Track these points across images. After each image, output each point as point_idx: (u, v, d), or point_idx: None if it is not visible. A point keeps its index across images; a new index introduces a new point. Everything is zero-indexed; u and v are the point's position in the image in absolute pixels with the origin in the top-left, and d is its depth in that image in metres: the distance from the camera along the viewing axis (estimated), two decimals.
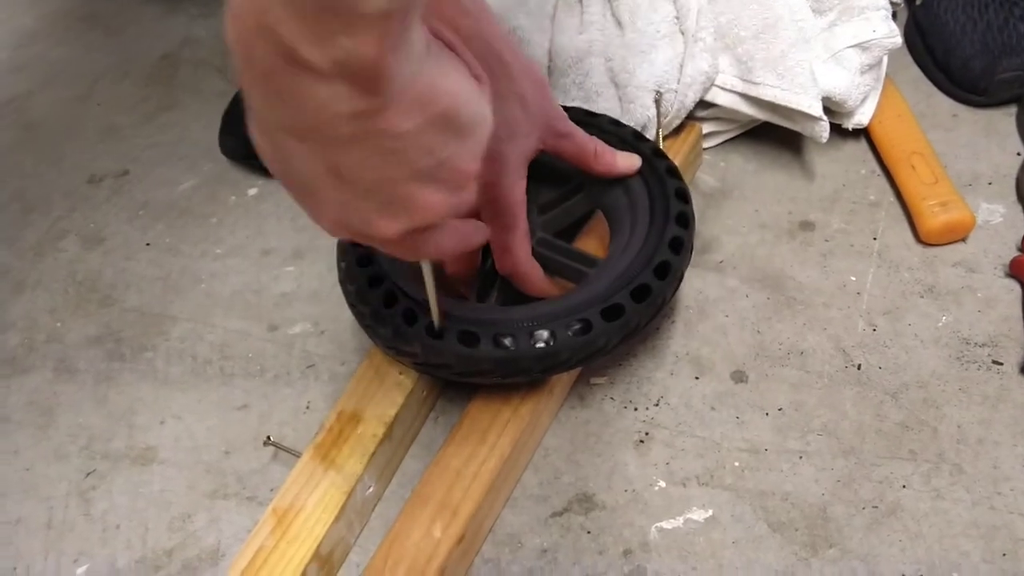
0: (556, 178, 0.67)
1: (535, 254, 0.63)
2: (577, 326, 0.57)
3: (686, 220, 0.62)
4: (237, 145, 0.87)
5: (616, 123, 0.70)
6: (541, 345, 0.56)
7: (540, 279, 0.63)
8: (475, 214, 0.56)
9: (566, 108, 0.65)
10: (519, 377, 0.59)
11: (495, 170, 0.58)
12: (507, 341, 0.56)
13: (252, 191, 0.87)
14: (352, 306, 0.62)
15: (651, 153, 0.66)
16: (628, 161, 0.65)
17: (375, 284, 0.60)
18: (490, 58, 0.54)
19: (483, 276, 0.65)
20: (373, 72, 0.35)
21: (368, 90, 0.35)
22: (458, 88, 0.40)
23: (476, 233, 0.50)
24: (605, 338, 0.57)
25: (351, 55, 0.34)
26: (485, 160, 0.44)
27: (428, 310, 0.57)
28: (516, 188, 0.59)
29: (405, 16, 0.34)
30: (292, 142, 0.39)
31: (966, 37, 0.81)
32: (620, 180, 0.66)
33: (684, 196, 0.63)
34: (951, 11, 0.83)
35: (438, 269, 0.64)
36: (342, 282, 0.63)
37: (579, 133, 0.63)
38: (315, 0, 0.32)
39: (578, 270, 0.63)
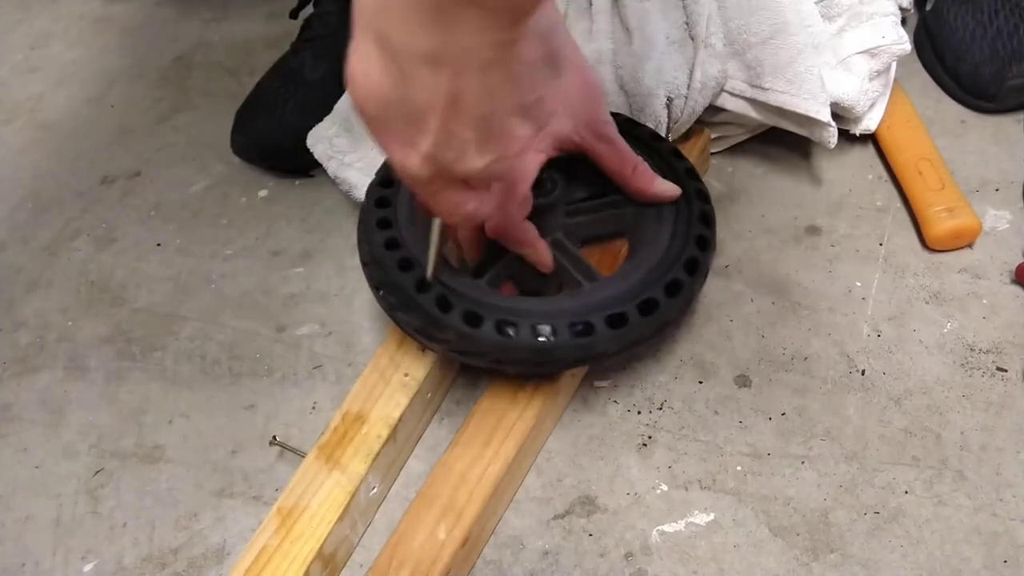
0: (593, 188, 0.67)
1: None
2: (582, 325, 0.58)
3: (706, 243, 0.63)
4: (249, 144, 0.88)
5: (632, 122, 0.70)
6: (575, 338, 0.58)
7: (530, 240, 0.63)
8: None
9: (613, 115, 0.65)
10: (549, 368, 0.60)
11: None
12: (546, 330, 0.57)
13: (262, 193, 0.88)
14: (376, 290, 0.63)
15: (670, 154, 0.67)
16: (666, 188, 0.65)
17: (405, 268, 0.60)
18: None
19: (489, 252, 0.65)
20: (530, 9, 0.40)
21: (517, 22, 0.41)
22: (561, 32, 0.48)
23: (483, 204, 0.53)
24: (639, 331, 0.59)
25: None
26: None
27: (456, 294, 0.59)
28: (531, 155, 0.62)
29: None
30: (424, 70, 0.42)
31: (976, 43, 0.81)
32: (654, 208, 0.65)
33: (707, 220, 0.64)
34: (961, 17, 0.83)
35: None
36: (365, 264, 0.63)
37: (622, 143, 0.64)
38: None
39: (577, 281, 0.63)
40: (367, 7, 0.42)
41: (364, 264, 0.63)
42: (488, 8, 0.39)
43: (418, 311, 0.58)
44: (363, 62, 0.44)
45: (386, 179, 0.65)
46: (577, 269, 0.63)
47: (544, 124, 0.49)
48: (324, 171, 0.81)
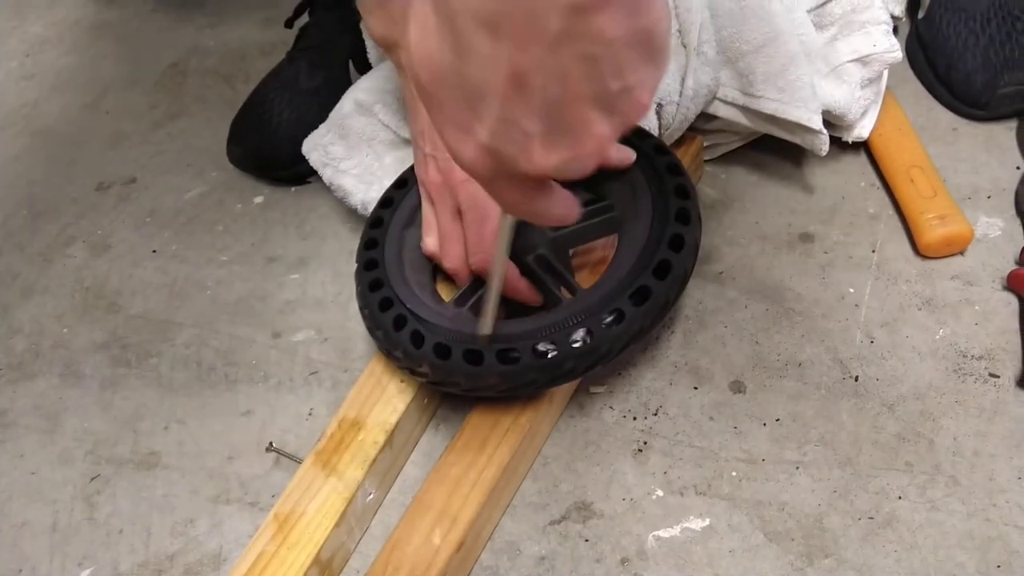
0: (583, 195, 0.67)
1: (527, 268, 0.64)
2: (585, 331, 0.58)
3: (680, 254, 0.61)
4: (245, 155, 0.88)
5: None
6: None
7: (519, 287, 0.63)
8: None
9: None
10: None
11: None
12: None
13: (258, 199, 0.88)
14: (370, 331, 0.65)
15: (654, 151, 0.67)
16: (621, 153, 0.64)
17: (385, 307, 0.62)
18: None
19: (474, 280, 0.66)
20: None
21: None
22: (660, 8, 0.38)
23: (573, 210, 0.47)
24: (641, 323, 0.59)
25: None
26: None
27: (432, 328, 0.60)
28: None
29: None
30: (483, 37, 0.36)
31: (968, 51, 0.82)
32: (633, 207, 0.64)
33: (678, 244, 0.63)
34: (953, 25, 0.84)
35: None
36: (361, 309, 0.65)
37: None
38: None
39: (557, 297, 0.63)
40: None
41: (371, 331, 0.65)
42: None
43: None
44: (419, 25, 0.38)
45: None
46: (557, 286, 0.63)
47: (630, 123, 0.40)
48: (320, 178, 0.81)
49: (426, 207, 0.67)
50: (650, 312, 0.59)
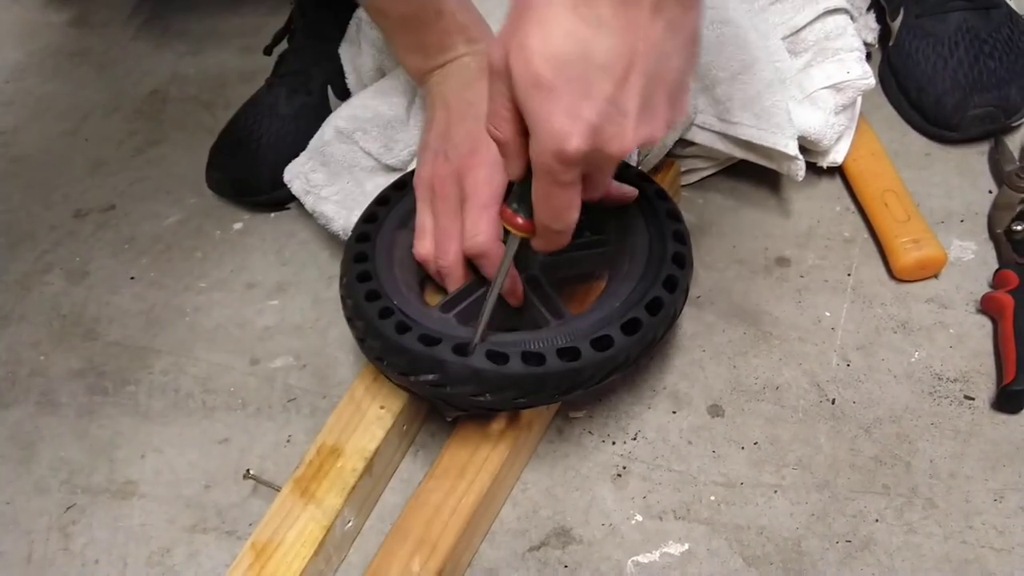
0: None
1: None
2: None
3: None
4: (224, 180, 0.88)
5: None
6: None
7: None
8: None
9: None
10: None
11: None
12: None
13: (237, 226, 0.88)
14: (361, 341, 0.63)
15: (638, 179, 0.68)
16: (624, 190, 0.66)
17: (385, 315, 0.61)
18: None
19: (463, 288, 0.66)
20: None
21: None
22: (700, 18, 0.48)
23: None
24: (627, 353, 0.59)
25: None
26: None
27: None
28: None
29: None
30: (616, 19, 0.44)
31: (937, 75, 0.83)
32: (628, 247, 0.66)
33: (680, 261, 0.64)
34: (922, 51, 0.85)
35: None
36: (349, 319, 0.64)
37: None
38: None
39: (544, 319, 0.63)
40: None
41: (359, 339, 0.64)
42: None
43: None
44: (543, 27, 0.44)
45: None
46: (547, 308, 0.63)
47: (678, 117, 0.49)
48: (300, 204, 0.81)
49: (422, 210, 0.67)
50: (638, 344, 0.59)
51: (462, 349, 0.57)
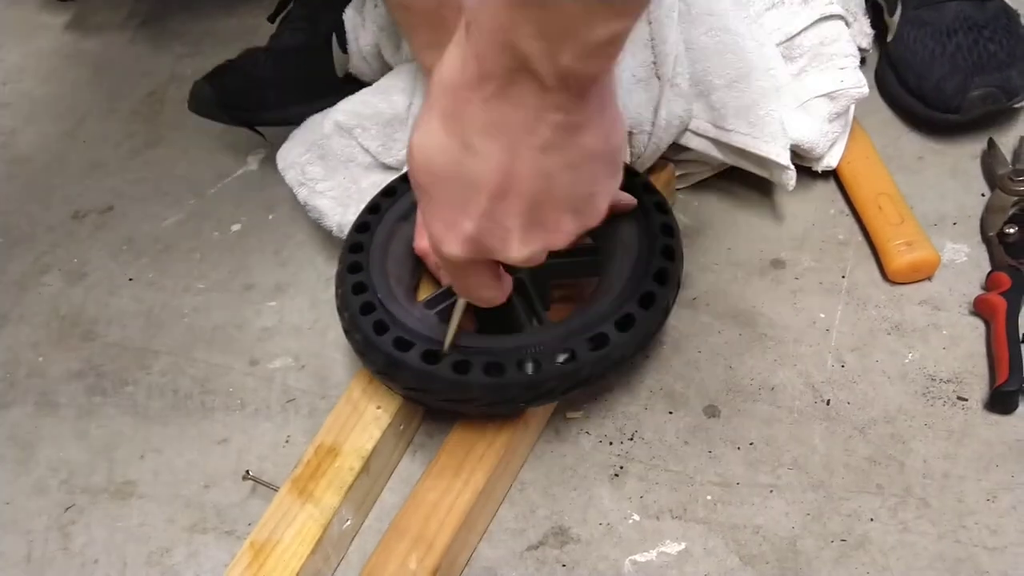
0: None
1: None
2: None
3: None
4: (215, 93, 0.84)
5: None
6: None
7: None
8: None
9: None
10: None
11: None
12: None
13: (235, 227, 0.88)
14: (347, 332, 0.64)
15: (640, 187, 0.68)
16: (624, 201, 0.66)
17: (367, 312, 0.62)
18: None
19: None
20: (586, 86, 0.40)
21: (577, 101, 0.41)
22: (623, 132, 0.46)
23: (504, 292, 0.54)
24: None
25: (575, 71, 0.39)
26: None
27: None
28: None
29: (622, 43, 0.40)
30: (483, 142, 0.42)
31: (936, 61, 0.83)
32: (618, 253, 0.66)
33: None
34: (921, 40, 0.85)
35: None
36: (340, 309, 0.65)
37: None
38: (559, 25, 0.37)
39: (522, 322, 0.63)
40: (436, 87, 0.43)
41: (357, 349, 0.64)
42: (546, 82, 0.39)
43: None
44: (423, 134, 0.44)
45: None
46: (528, 312, 0.64)
47: (589, 225, 0.47)
48: (291, 192, 0.80)
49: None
50: (632, 341, 0.60)
51: (432, 356, 0.58)
